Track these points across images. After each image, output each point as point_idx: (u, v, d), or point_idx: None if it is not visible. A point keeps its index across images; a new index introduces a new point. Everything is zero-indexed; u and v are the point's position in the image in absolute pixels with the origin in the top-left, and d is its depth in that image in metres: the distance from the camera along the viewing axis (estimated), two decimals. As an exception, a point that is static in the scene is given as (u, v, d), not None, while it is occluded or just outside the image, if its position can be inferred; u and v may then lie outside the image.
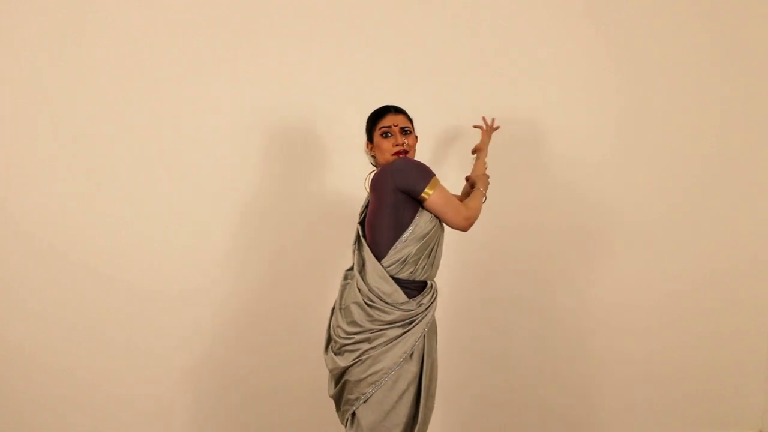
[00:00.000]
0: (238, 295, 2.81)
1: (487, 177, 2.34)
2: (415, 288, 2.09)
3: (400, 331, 2.05)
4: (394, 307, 2.04)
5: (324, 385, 2.82)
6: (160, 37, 2.67)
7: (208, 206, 2.75)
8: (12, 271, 2.70)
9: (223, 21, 2.69)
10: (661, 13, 2.85)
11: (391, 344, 2.04)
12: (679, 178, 2.92)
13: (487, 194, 2.27)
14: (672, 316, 2.98)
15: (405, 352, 2.05)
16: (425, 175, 2.04)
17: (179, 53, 2.68)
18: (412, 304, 2.06)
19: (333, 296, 2.34)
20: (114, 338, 2.77)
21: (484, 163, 2.46)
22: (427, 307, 2.09)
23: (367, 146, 2.22)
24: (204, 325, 2.80)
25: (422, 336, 2.08)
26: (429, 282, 2.13)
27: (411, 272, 2.07)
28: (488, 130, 2.60)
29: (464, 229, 2.10)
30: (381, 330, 2.04)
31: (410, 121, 2.21)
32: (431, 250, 2.11)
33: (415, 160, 2.08)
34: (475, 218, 2.13)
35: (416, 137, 2.21)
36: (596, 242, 2.92)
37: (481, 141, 2.55)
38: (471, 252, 2.84)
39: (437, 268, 2.17)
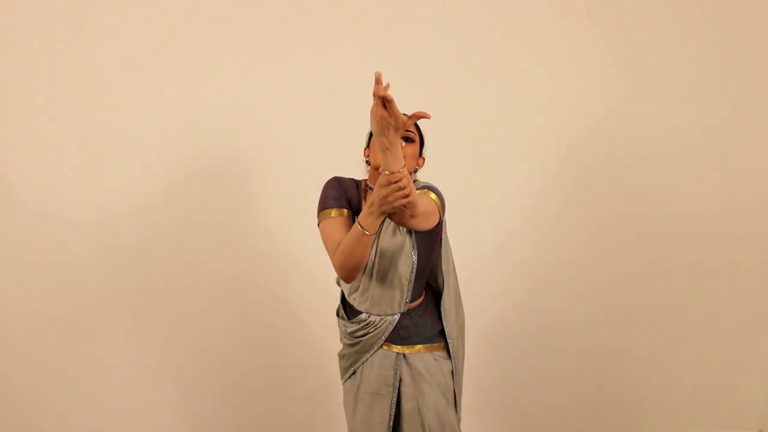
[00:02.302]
0: (238, 295, 2.81)
1: (386, 187, 1.54)
2: (352, 312, 1.99)
3: (347, 341, 2.01)
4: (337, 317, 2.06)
5: (319, 387, 2.82)
6: (158, 37, 2.66)
7: (210, 205, 2.75)
8: (11, 268, 2.70)
9: (222, 22, 2.68)
10: (661, 13, 2.84)
11: (341, 351, 2.05)
12: (679, 179, 2.92)
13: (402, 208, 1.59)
14: (672, 317, 2.99)
15: (345, 368, 2.02)
16: (319, 204, 1.90)
17: (178, 53, 2.68)
18: (344, 324, 2.01)
19: (330, 297, 2.36)
20: (112, 337, 2.77)
21: (391, 164, 1.55)
22: (355, 338, 1.96)
23: (365, 152, 2.02)
24: (204, 324, 2.81)
25: (360, 366, 1.97)
26: (364, 314, 1.95)
27: (346, 294, 2.00)
28: (382, 103, 1.62)
29: (343, 279, 1.82)
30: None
31: (419, 134, 1.97)
32: (357, 285, 1.93)
33: (328, 184, 1.92)
34: (345, 264, 1.75)
35: (422, 158, 1.98)
36: (597, 243, 2.92)
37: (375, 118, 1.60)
38: (482, 257, 2.85)
39: (383, 304, 1.92)
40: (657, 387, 3.02)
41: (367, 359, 1.96)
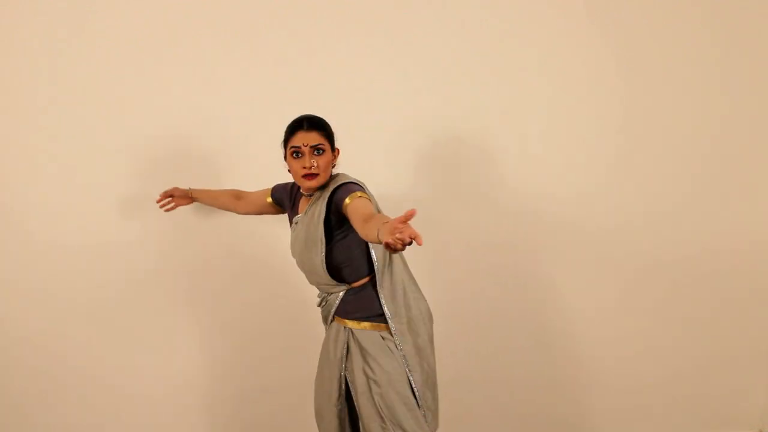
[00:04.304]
0: (242, 293, 2.82)
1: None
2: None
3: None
4: None
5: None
6: (159, 38, 2.66)
7: (207, 207, 2.74)
8: (13, 267, 2.71)
9: (222, 23, 2.68)
10: (661, 13, 2.84)
11: None
12: (680, 178, 2.91)
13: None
14: (672, 316, 2.98)
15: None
16: None
17: (178, 53, 2.67)
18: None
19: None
20: (114, 338, 2.79)
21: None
22: (320, 307, 2.26)
23: (286, 161, 2.15)
24: (208, 322, 2.82)
25: (327, 330, 2.27)
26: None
27: None
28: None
29: None
30: None
31: (327, 135, 2.10)
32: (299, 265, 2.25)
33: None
34: None
35: (336, 150, 2.15)
36: (596, 243, 2.92)
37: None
38: (462, 257, 2.86)
39: (318, 283, 2.20)
40: (657, 387, 3.02)
41: (327, 327, 2.25)
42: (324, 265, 2.09)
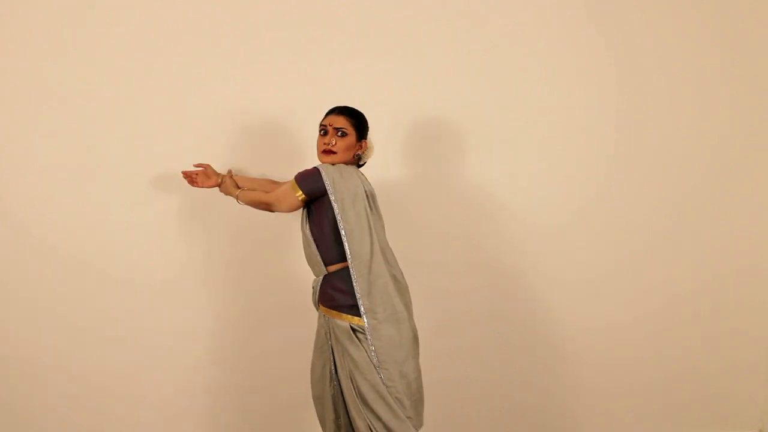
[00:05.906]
0: (243, 292, 2.84)
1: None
2: None
3: None
4: None
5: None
6: (161, 37, 2.68)
7: (208, 204, 2.75)
8: (11, 268, 2.74)
9: (225, 21, 2.70)
10: (660, 14, 2.83)
11: None
12: (680, 180, 2.91)
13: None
14: (673, 318, 2.98)
15: None
16: None
17: (179, 53, 2.69)
18: None
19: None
20: (114, 337, 2.81)
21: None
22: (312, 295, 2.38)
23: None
24: (208, 321, 2.84)
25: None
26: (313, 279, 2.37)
27: None
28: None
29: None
30: None
31: (354, 124, 2.26)
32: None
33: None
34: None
35: (364, 141, 2.30)
36: (598, 243, 2.92)
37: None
38: (457, 254, 2.88)
39: (311, 263, 2.32)
40: (657, 387, 3.02)
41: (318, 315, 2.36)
42: (309, 236, 2.25)
